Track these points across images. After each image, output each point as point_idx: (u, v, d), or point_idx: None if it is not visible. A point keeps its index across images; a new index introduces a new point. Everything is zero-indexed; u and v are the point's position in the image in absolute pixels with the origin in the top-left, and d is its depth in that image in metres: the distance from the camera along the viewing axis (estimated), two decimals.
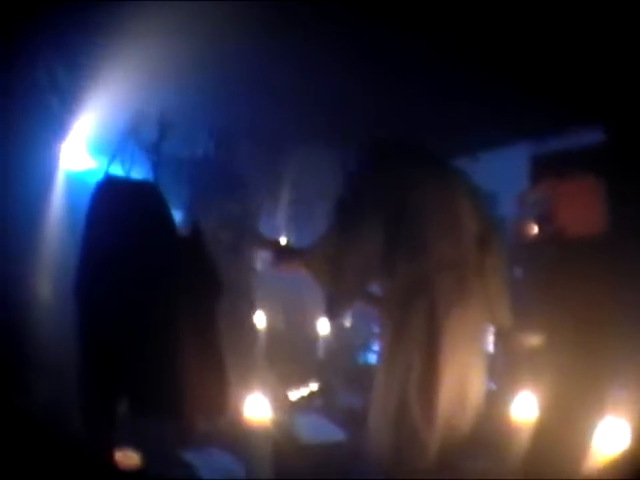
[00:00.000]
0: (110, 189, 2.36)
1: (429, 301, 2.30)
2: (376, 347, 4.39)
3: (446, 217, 2.39)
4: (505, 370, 3.32)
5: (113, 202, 2.33)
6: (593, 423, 2.42)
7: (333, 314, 2.48)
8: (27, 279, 3.23)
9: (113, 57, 3.09)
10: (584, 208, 3.00)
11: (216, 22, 2.84)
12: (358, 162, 2.51)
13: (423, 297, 2.31)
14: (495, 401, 2.69)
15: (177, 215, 2.43)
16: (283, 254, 2.68)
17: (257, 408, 2.38)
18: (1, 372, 2.75)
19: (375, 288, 2.58)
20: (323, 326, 4.41)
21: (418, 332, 2.30)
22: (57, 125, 3.43)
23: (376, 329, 4.45)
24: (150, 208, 2.34)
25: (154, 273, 2.28)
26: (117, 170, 2.50)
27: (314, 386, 4.14)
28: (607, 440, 2.37)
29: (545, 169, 3.97)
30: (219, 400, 2.38)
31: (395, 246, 2.34)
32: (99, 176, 2.45)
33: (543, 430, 2.52)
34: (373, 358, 4.51)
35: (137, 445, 2.66)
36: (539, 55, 3.28)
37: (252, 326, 4.08)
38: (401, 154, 2.52)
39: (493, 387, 3.22)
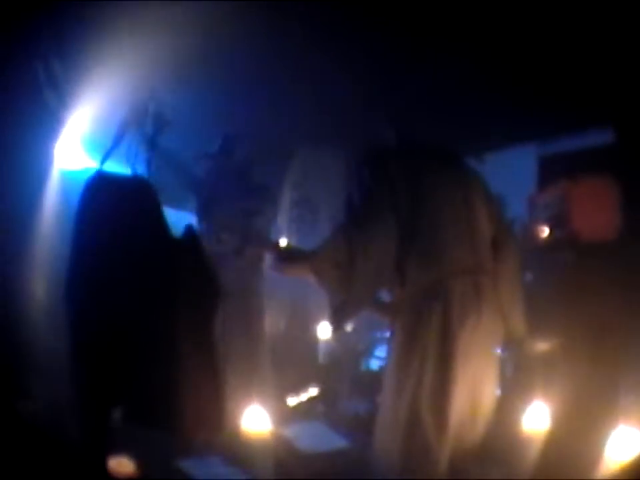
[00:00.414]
0: (101, 184, 2.28)
1: (442, 308, 2.23)
2: (379, 353, 4.35)
3: (461, 220, 2.31)
4: (516, 377, 3.27)
5: (104, 198, 2.25)
6: (607, 431, 2.37)
7: (339, 321, 2.38)
8: (22, 279, 3.19)
9: (112, 54, 3.07)
10: (599, 211, 2.95)
11: (216, 22, 2.82)
12: (367, 163, 2.42)
13: (437, 304, 2.23)
14: (506, 408, 2.63)
15: (170, 213, 2.34)
16: (286, 257, 2.59)
17: (255, 420, 2.32)
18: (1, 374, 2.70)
19: (384, 294, 2.50)
20: (324, 330, 4.35)
21: (431, 340, 2.22)
22: (54, 123, 3.40)
23: (378, 335, 4.40)
24: (142, 205, 2.26)
25: (147, 274, 2.21)
26: (110, 166, 2.44)
27: (313, 391, 4.08)
28: (619, 448, 2.32)
29: (553, 170, 3.94)
30: (216, 416, 2.30)
31: (408, 251, 2.26)
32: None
33: (555, 438, 2.48)
34: (375, 364, 4.46)
35: (133, 453, 2.60)
36: (545, 55, 3.26)
37: (260, 332, 4.01)
38: (413, 155, 2.44)
39: (501, 393, 3.17)
